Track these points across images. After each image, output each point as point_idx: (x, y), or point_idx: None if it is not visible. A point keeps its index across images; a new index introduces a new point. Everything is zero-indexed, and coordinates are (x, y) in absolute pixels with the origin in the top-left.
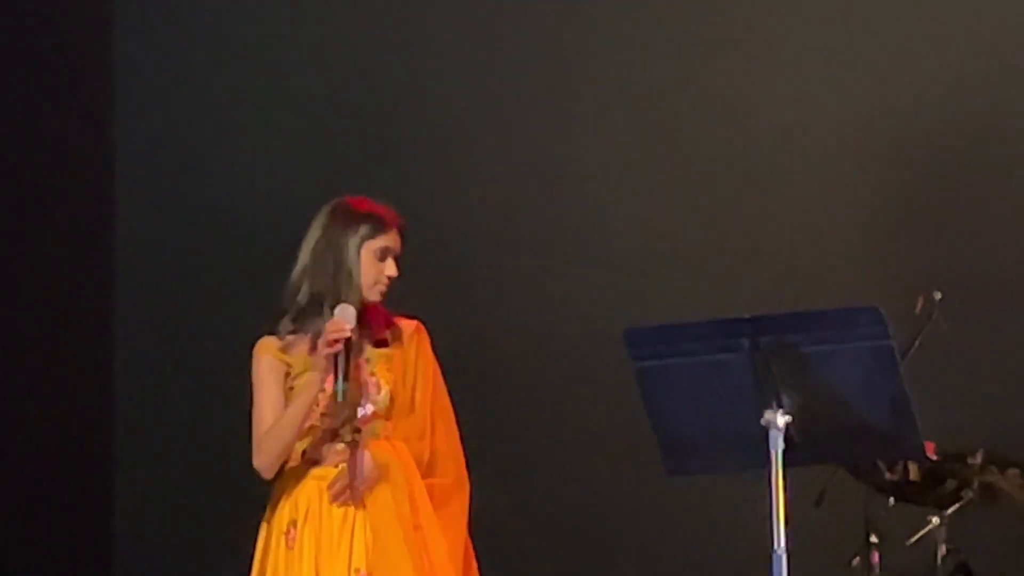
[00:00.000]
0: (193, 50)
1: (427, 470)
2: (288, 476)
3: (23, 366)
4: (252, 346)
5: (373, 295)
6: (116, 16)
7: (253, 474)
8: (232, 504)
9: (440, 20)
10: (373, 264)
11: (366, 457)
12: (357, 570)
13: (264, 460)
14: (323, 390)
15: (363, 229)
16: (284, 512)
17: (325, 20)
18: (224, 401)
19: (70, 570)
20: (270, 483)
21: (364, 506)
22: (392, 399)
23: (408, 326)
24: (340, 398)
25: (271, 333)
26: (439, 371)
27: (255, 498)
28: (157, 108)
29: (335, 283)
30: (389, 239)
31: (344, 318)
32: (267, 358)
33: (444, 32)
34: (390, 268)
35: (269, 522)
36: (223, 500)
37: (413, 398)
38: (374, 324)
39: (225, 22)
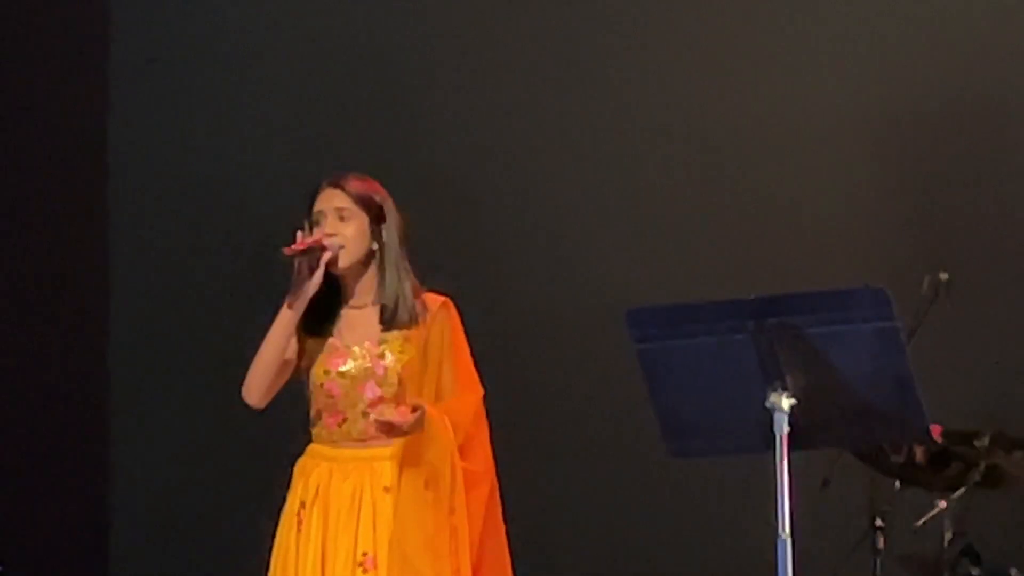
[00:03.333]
0: (187, 46)
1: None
2: (305, 457)
3: (17, 364)
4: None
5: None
6: (111, 12)
7: (249, 473)
8: (228, 504)
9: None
10: (317, 232)
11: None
12: (364, 554)
13: (246, 384)
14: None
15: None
16: (297, 493)
17: (322, 12)
18: (220, 399)
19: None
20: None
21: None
22: (401, 382)
23: (434, 302)
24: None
25: None
26: (466, 350)
27: (251, 497)
28: (151, 102)
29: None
30: (319, 203)
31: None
32: None
33: (450, 14)
34: (325, 230)
35: (285, 505)
36: (219, 501)
37: (440, 376)
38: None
39: (221, 18)
